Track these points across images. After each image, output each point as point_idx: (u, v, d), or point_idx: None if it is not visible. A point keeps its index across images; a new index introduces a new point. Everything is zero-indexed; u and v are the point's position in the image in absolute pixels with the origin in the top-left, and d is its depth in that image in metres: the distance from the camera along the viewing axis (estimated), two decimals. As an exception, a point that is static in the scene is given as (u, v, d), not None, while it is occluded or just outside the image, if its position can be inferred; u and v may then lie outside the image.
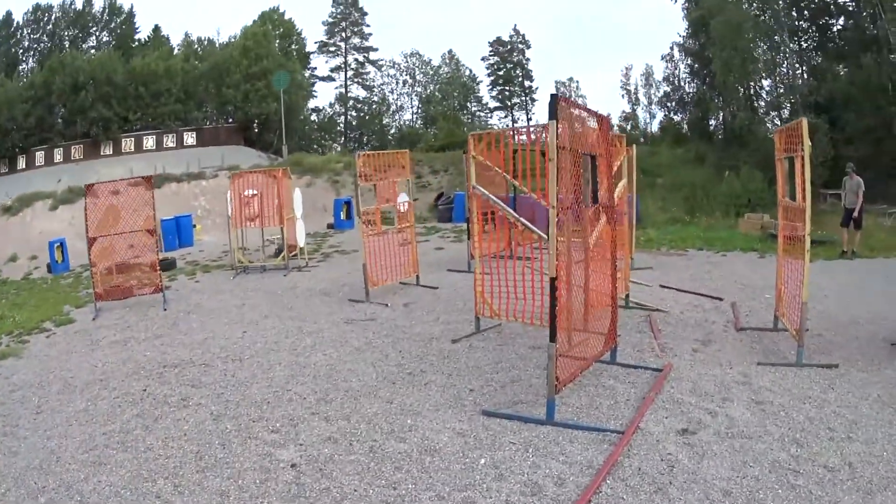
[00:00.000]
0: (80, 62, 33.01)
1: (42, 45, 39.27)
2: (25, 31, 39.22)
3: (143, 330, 8.28)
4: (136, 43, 40.98)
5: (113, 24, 41.39)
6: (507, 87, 46.23)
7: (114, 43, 39.81)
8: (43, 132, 32.55)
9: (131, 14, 41.79)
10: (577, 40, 62.77)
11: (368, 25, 46.28)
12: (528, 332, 6.69)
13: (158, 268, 10.03)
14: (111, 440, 4.64)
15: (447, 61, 47.14)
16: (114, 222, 9.71)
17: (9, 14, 38.32)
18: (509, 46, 46.01)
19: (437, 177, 23.79)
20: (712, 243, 13.18)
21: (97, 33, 40.87)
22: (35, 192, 22.01)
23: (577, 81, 46.15)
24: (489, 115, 46.58)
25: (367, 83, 46.55)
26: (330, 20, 45.59)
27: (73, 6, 39.85)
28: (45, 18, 39.27)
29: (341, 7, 45.56)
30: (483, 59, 46.69)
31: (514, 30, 46.19)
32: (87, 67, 32.69)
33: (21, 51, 38.93)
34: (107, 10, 40.96)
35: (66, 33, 39.35)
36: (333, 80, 45.87)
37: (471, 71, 47.20)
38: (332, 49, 45.75)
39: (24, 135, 32.24)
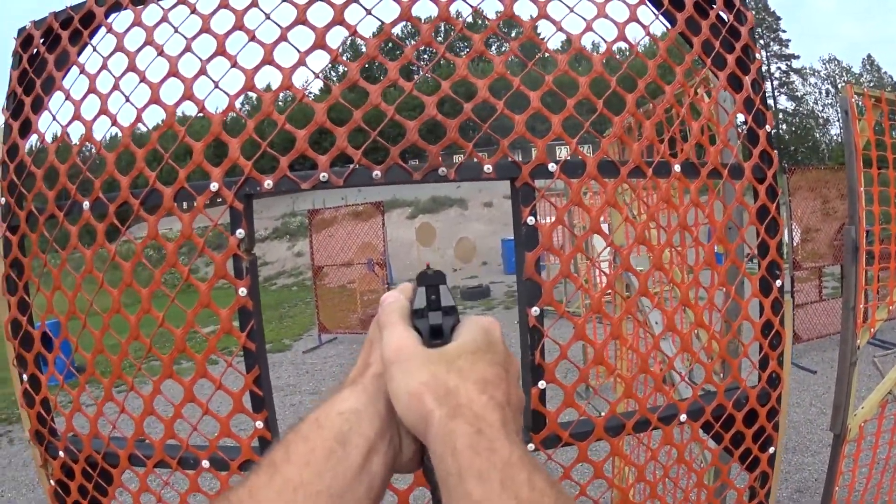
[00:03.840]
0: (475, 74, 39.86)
1: (430, 54, 47.34)
2: (408, 42, 47.49)
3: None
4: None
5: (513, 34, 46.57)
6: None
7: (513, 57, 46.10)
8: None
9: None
10: None
11: (785, 31, 41.76)
12: None
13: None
14: None
15: (867, 68, 40.19)
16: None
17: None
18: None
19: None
20: None
21: (496, 43, 46.90)
22: (394, 198, 23.02)
23: None
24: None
25: (795, 94, 42.40)
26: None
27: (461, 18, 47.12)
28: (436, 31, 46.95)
29: (752, 12, 43.96)
30: (903, 63, 39.54)
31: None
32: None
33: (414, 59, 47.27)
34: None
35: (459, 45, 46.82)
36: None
37: (892, 78, 39.41)
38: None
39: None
